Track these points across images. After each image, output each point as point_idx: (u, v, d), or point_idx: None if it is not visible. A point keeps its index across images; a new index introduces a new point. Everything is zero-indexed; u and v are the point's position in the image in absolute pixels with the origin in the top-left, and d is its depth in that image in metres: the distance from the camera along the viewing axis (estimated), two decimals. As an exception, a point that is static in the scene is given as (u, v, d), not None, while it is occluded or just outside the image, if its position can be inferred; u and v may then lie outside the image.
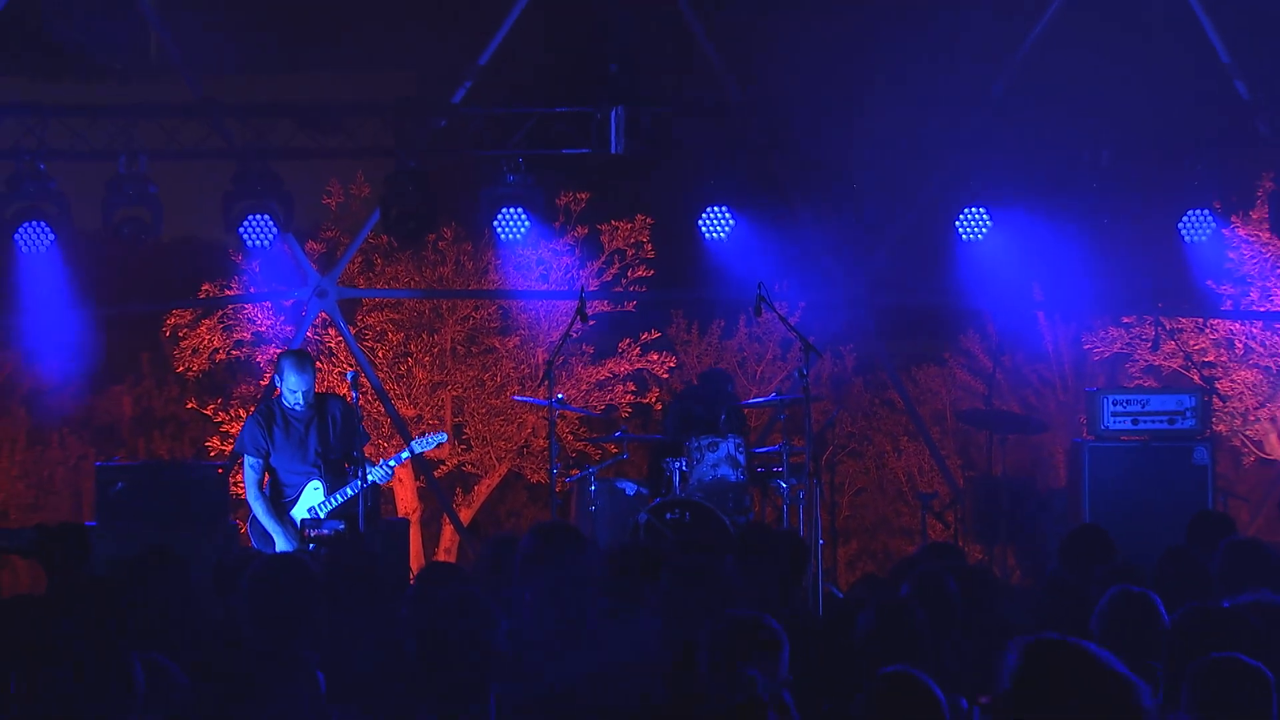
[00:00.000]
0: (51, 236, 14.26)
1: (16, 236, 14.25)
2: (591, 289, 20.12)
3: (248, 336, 20.84)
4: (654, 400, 21.46)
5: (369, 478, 11.75)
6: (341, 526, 11.65)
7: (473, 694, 6.15)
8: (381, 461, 12.02)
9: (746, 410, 14.93)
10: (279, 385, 11.99)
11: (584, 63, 15.61)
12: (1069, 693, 4.27)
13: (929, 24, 15.73)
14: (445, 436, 12.78)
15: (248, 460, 12.00)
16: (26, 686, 5.32)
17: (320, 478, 11.91)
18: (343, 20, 18.93)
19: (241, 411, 19.76)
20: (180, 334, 21.10)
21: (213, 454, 20.19)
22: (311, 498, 11.91)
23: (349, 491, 11.84)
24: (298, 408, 11.91)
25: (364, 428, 12.21)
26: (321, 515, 11.81)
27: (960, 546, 13.85)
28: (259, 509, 11.90)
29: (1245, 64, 15.35)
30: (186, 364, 21.16)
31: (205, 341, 21.01)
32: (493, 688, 6.20)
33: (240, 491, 12.39)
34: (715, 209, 14.80)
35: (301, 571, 7.29)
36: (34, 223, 14.23)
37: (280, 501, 11.96)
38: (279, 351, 13.10)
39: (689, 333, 22.42)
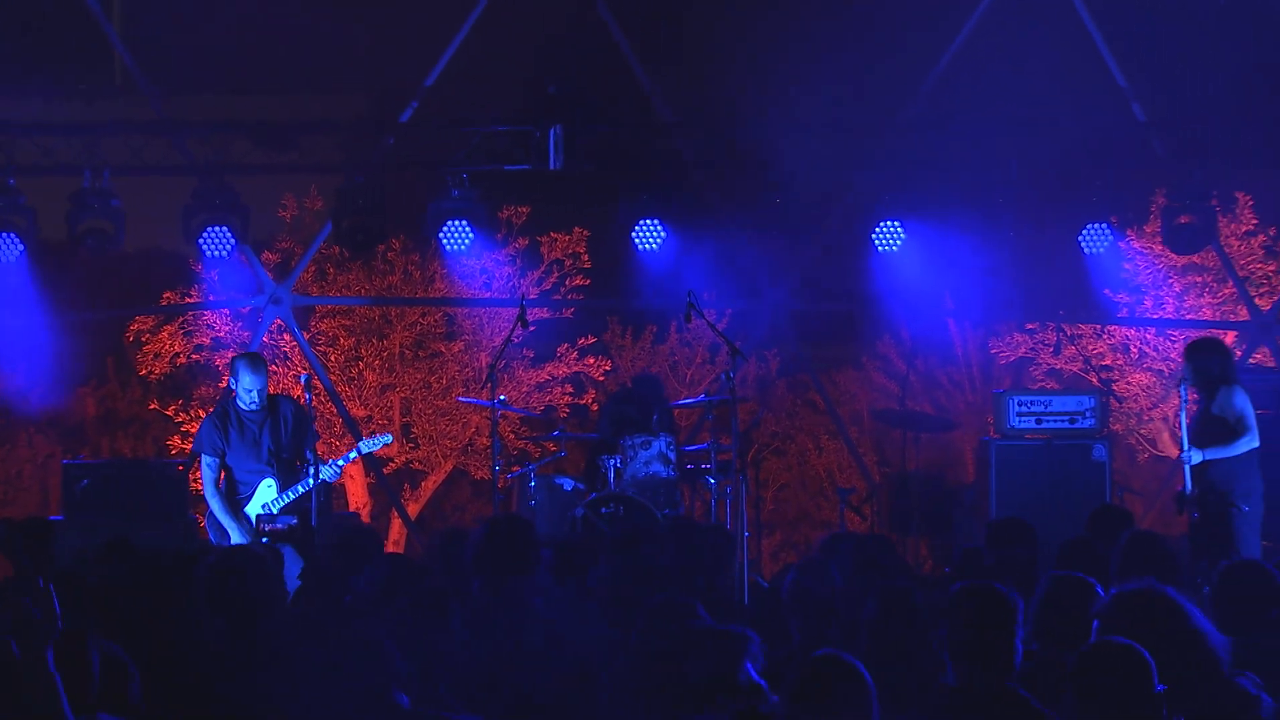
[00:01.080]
0: (21, 247, 14.09)
1: (-13, 248, 14.07)
2: (532, 297, 20.11)
3: (207, 341, 20.71)
4: (591, 401, 21.43)
5: (320, 475, 11.64)
6: (295, 521, 11.54)
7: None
8: (330, 461, 11.91)
9: (677, 411, 14.87)
10: (234, 386, 11.86)
11: (524, 84, 15.56)
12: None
13: (848, 48, 15.75)
14: (391, 438, 12.71)
15: (205, 459, 11.85)
16: None
17: (273, 475, 11.78)
18: (298, 43, 18.77)
19: (201, 412, 19.59)
20: (143, 339, 20.94)
21: (174, 452, 20.06)
22: (265, 494, 11.78)
23: (300, 489, 11.72)
24: (252, 407, 11.78)
25: (315, 428, 12.11)
26: (275, 511, 11.69)
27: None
28: (216, 506, 11.76)
29: (1141, 88, 15.45)
30: (149, 367, 21.01)
31: (166, 346, 20.86)
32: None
33: (199, 488, 12.26)
34: (648, 222, 14.76)
35: (259, 564, 7.17)
36: (4, 234, 14.07)
37: (235, 498, 11.82)
38: (233, 354, 12.99)
39: (623, 338, 22.40)
